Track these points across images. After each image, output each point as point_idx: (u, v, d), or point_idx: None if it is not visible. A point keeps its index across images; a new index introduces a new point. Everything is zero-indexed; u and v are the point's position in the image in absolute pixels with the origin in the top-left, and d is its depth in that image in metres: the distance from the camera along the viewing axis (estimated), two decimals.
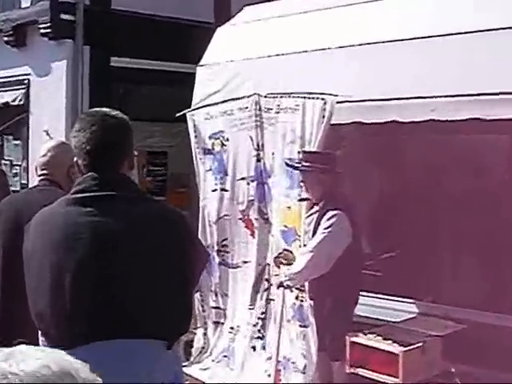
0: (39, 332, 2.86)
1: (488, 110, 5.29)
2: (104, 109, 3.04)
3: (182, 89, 7.94)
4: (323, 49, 6.64)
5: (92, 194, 2.83)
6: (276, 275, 6.61)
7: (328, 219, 5.74)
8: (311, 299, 6.15)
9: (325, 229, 5.73)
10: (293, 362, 6.33)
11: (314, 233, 5.88)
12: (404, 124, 5.85)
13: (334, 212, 5.75)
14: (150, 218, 2.89)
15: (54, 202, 2.97)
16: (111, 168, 2.90)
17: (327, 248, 5.72)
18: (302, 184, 6.15)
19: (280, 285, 6.10)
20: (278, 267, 6.53)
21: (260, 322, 6.99)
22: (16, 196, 4.48)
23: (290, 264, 6.24)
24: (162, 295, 2.82)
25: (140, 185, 10.57)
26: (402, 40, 6.02)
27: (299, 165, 6.23)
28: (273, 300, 6.83)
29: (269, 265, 6.90)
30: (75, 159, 2.97)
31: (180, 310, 2.95)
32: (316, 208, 6.02)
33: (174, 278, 2.86)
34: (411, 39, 5.95)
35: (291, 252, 6.42)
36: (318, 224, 5.84)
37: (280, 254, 6.54)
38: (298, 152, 6.41)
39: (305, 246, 6.06)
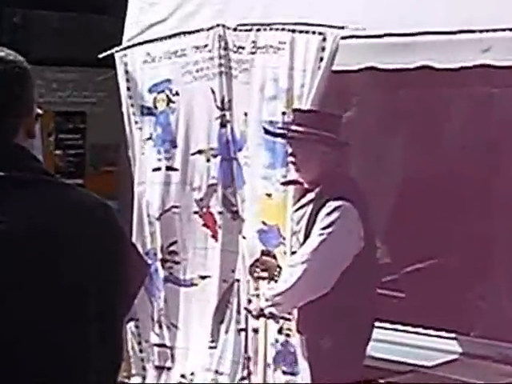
0: None
1: None
2: None
3: (108, 16, 7.86)
4: None
5: None
6: (255, 295, 6.56)
7: (328, 214, 5.63)
8: (302, 333, 6.11)
9: (323, 228, 5.62)
10: None
11: (307, 234, 5.78)
12: (441, 71, 5.84)
13: (338, 203, 5.64)
14: (57, 211, 2.83)
15: None
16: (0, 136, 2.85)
17: (327, 257, 5.64)
18: (289, 159, 6.04)
19: (260, 313, 6.06)
20: (256, 281, 6.49)
21: (226, 368, 6.98)
22: None
23: (273, 276, 6.25)
24: (75, 328, 2.78)
25: (45, 161, 10.54)
26: None
27: (286, 130, 6.20)
28: (243, 330, 6.80)
29: (238, 281, 6.87)
30: None
31: (103, 354, 2.91)
32: (310, 196, 5.89)
33: (93, 305, 2.81)
34: None
35: (273, 257, 6.40)
36: (312, 221, 5.72)
37: (257, 260, 6.49)
38: (283, 113, 6.39)
39: (294, 253, 5.98)
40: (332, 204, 5.63)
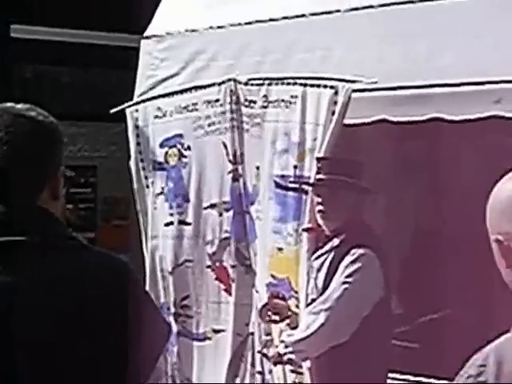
0: None
1: None
2: (20, 106, 2.94)
3: (119, 72, 7.87)
4: (330, 12, 6.61)
5: None
6: (270, 340, 6.53)
7: (352, 262, 5.57)
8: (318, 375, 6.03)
9: (347, 276, 5.55)
10: None
11: (328, 281, 5.71)
12: (453, 123, 5.81)
13: (362, 251, 5.59)
14: (79, 276, 2.79)
15: None
16: (22, 197, 2.81)
17: (351, 305, 5.56)
18: (317, 208, 5.93)
19: (278, 359, 6.01)
20: (267, 324, 6.45)
21: None
22: None
23: (284, 318, 6.19)
24: None
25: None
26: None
27: (296, 184, 6.18)
28: (260, 373, 6.73)
29: (253, 334, 6.82)
30: None
31: None
32: (333, 243, 5.84)
33: (113, 366, 2.76)
34: None
35: (283, 299, 6.34)
36: (334, 268, 5.65)
37: (266, 304, 6.42)
38: (295, 166, 6.36)
39: (314, 300, 5.90)
40: (356, 252, 5.59)
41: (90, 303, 2.71)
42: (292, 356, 5.81)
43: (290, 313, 6.19)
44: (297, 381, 6.32)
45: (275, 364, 6.16)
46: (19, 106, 2.91)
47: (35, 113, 2.88)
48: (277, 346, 6.15)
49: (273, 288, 6.45)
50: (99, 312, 2.72)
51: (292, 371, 6.31)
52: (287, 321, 6.19)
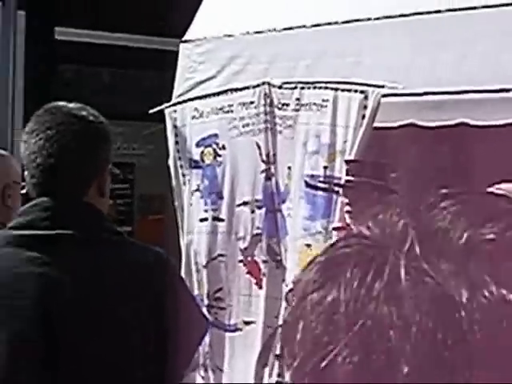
0: None
1: None
2: (72, 105, 2.94)
3: (158, 74, 7.88)
4: (361, 19, 6.59)
5: (40, 232, 2.75)
6: None
7: None
8: None
9: None
10: None
11: None
12: (481, 128, 5.77)
13: None
14: (122, 268, 2.79)
15: None
16: (72, 193, 2.81)
17: None
18: (346, 209, 5.94)
19: None
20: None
21: None
22: None
23: None
24: (134, 379, 2.73)
25: None
26: (478, 8, 5.99)
27: (326, 185, 6.17)
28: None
29: (281, 327, 6.80)
30: (25, 171, 2.88)
31: None
32: None
33: (153, 356, 2.76)
34: (495, 6, 5.92)
35: None
36: None
37: (291, 289, 6.35)
38: (325, 167, 6.35)
39: None
40: None
41: (139, 294, 2.72)
42: None
43: None
44: None
45: None
46: (71, 105, 2.92)
47: (86, 112, 2.90)
48: None
49: None
50: (144, 302, 2.72)
51: None
52: None
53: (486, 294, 1.18)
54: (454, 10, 6.09)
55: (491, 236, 1.22)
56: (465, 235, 1.17)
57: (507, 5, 5.85)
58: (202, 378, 7.32)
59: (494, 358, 1.19)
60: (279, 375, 6.84)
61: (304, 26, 6.90)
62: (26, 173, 2.87)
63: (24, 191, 2.95)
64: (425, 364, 1.09)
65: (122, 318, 2.73)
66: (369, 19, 6.51)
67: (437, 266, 1.18)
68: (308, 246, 6.45)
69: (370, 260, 1.13)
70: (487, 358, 1.20)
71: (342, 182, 6.02)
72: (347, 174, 5.98)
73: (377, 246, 1.19)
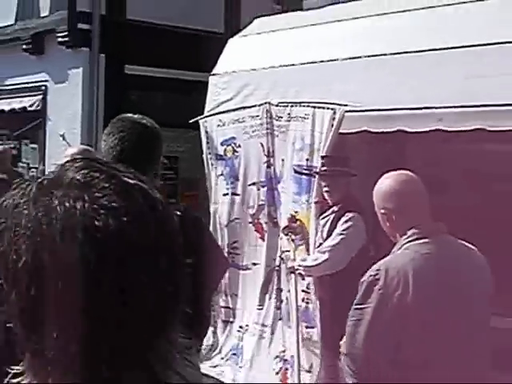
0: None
1: (493, 120, 5.22)
2: (136, 116, 2.95)
3: (194, 96, 7.90)
4: (332, 60, 6.57)
5: None
6: (286, 251, 6.48)
7: (346, 221, 5.65)
8: (319, 299, 6.04)
9: (343, 231, 5.63)
10: (299, 362, 6.22)
11: (330, 232, 5.78)
12: (411, 134, 5.76)
13: (352, 214, 5.65)
14: (170, 226, 2.80)
15: None
16: None
17: (343, 249, 5.59)
18: (324, 189, 5.93)
19: (292, 270, 6.07)
20: (288, 241, 6.38)
21: (268, 322, 6.92)
22: None
23: (297, 233, 6.24)
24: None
25: None
26: (408, 52, 5.96)
27: (308, 171, 6.19)
28: (281, 301, 6.75)
29: (278, 267, 6.82)
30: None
31: (198, 319, 2.86)
32: (333, 209, 5.87)
33: (191, 286, 2.76)
34: (417, 52, 5.88)
35: (298, 220, 6.32)
36: (334, 225, 5.73)
37: (286, 226, 6.40)
38: (307, 159, 6.35)
39: (321, 244, 5.89)
40: (349, 214, 5.66)
41: (184, 245, 2.72)
42: (302, 272, 5.96)
43: (298, 228, 6.26)
44: (305, 298, 6.32)
45: (291, 273, 6.18)
46: (135, 116, 2.93)
47: (145, 121, 2.90)
48: (294, 260, 6.15)
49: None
50: (187, 249, 2.73)
51: (302, 291, 6.31)
52: (299, 235, 6.27)
53: None
54: (392, 53, 6.08)
55: None
56: None
57: (431, 50, 5.83)
58: (224, 300, 7.36)
59: None
60: (276, 300, 6.88)
61: (293, 64, 6.90)
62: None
63: None
64: None
65: (177, 257, 2.72)
66: (337, 60, 6.50)
67: None
68: (296, 212, 6.44)
69: None
70: None
71: (319, 170, 6.03)
72: (322, 165, 6.00)
73: None
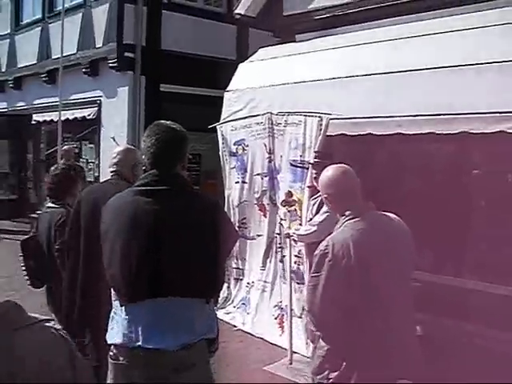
0: (112, 289, 2.76)
1: (441, 126, 5.19)
2: (168, 122, 2.90)
3: (213, 108, 7.81)
4: (318, 80, 6.51)
5: (153, 187, 2.71)
6: (283, 220, 6.35)
7: None
8: (308, 262, 5.96)
9: (328, 210, 5.53)
10: (292, 309, 6.17)
11: (318, 210, 5.68)
12: (380, 136, 5.71)
13: None
14: (195, 206, 2.75)
15: (123, 192, 2.85)
16: (168, 167, 2.76)
17: (328, 224, 5.40)
18: (314, 176, 5.77)
19: (287, 236, 5.98)
20: (286, 211, 6.23)
21: (269, 279, 6.88)
22: (93, 186, 4.35)
23: (292, 205, 6.11)
24: (201, 265, 2.69)
25: None
26: (377, 74, 5.92)
27: (301, 164, 6.13)
28: (281, 262, 6.67)
29: (276, 237, 6.75)
30: (143, 157, 2.84)
31: (215, 277, 2.82)
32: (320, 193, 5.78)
33: (212, 252, 2.72)
34: (384, 73, 5.84)
35: (292, 194, 6.20)
36: (321, 205, 5.58)
37: (283, 200, 6.26)
38: (300, 155, 6.27)
39: (311, 219, 5.80)
40: None
41: (203, 220, 2.69)
42: (295, 238, 5.86)
43: (294, 202, 6.15)
44: (297, 261, 6.26)
45: (286, 237, 6.07)
46: (168, 122, 2.87)
47: (176, 126, 2.85)
48: (289, 228, 6.07)
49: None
50: (207, 224, 2.68)
51: (295, 255, 6.26)
52: (295, 206, 6.17)
53: None
54: (364, 75, 6.03)
55: None
56: None
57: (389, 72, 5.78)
58: (235, 263, 7.32)
59: None
60: (275, 262, 6.83)
61: (288, 83, 6.84)
62: (144, 157, 2.81)
63: (143, 168, 2.91)
64: None
65: (197, 231, 2.69)
66: (322, 79, 6.45)
67: None
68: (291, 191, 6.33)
69: None
70: None
71: (311, 161, 5.94)
72: (314, 158, 5.90)
73: None
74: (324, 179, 3.16)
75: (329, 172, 3.15)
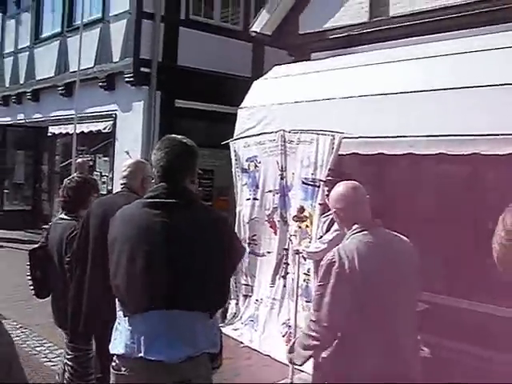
0: (116, 299, 2.77)
1: (452, 147, 5.20)
2: (179, 136, 2.92)
3: (227, 124, 7.87)
4: (331, 98, 6.55)
5: (161, 200, 2.73)
6: (294, 235, 6.30)
7: None
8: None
9: (337, 229, 5.54)
10: (300, 327, 6.15)
11: (328, 228, 5.68)
12: (391, 156, 5.73)
13: None
14: (202, 220, 2.77)
15: (131, 203, 2.87)
16: (176, 181, 2.79)
17: (338, 242, 5.45)
18: (327, 192, 5.72)
19: (297, 252, 5.96)
20: (296, 222, 6.16)
21: (278, 297, 6.86)
22: (103, 199, 4.39)
23: (303, 221, 6.08)
24: (207, 279, 2.70)
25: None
26: (388, 94, 5.95)
27: (313, 182, 6.15)
28: (284, 279, 6.65)
29: (286, 254, 6.75)
30: (153, 170, 2.87)
31: (220, 291, 2.82)
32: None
33: (217, 266, 2.73)
34: (396, 93, 5.87)
35: (304, 210, 6.14)
36: (332, 223, 5.58)
37: (295, 215, 6.17)
38: (312, 173, 6.27)
39: (321, 237, 5.81)
40: None
41: (210, 234, 2.70)
42: (305, 255, 5.88)
43: (305, 218, 6.10)
44: (306, 279, 6.26)
45: (296, 253, 6.01)
46: (179, 136, 2.90)
47: (186, 140, 2.88)
48: (299, 244, 6.05)
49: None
50: (214, 239, 2.70)
51: (304, 273, 6.26)
52: (306, 222, 6.14)
53: None
54: (376, 94, 6.06)
55: None
56: None
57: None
58: (245, 279, 7.31)
59: None
60: (284, 280, 6.81)
61: (302, 101, 6.88)
62: (154, 170, 2.85)
63: (153, 180, 2.94)
64: None
65: (203, 245, 2.70)
66: (335, 98, 6.48)
67: None
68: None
69: None
70: None
71: (324, 179, 5.96)
72: (327, 176, 5.91)
73: None
74: (334, 194, 3.24)
75: (339, 187, 3.24)
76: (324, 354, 3.03)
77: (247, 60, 12.00)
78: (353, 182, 3.28)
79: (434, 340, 5.57)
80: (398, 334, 2.96)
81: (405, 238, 3.15)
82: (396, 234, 3.18)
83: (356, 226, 3.09)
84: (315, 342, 3.04)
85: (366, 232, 3.05)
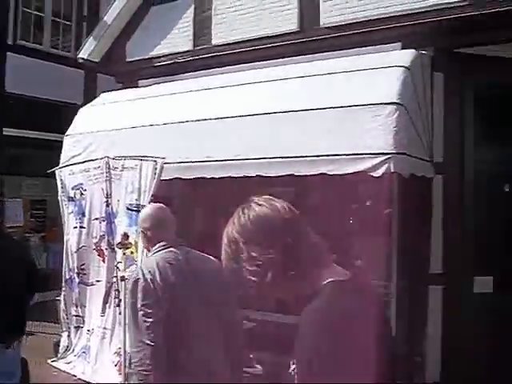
0: None
1: (265, 169, 5.44)
2: None
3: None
4: (153, 125, 6.64)
5: None
6: (119, 262, 6.26)
7: None
8: None
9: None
10: (127, 353, 6.08)
11: None
12: (211, 180, 5.90)
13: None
14: (16, 251, 2.73)
15: None
16: None
17: None
18: None
19: (122, 279, 5.93)
20: (122, 254, 6.13)
21: (109, 326, 6.78)
22: None
23: (128, 247, 6.02)
24: (2, 306, 2.66)
25: (25, 224, 10.13)
26: (207, 119, 6.14)
27: (137, 208, 6.19)
28: (118, 307, 6.60)
29: (116, 282, 6.69)
30: None
31: (17, 319, 2.80)
32: None
33: (14, 298, 2.70)
34: (213, 119, 6.08)
35: (128, 236, 6.08)
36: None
37: (119, 242, 6.12)
38: (136, 199, 6.34)
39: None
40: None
41: (11, 263, 2.65)
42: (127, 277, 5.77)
43: (130, 244, 6.04)
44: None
45: (122, 280, 5.94)
46: None
47: None
48: (124, 270, 5.97)
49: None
50: (23, 265, 2.66)
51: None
52: (131, 249, 6.08)
53: None
54: (195, 120, 6.23)
55: None
56: None
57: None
58: (75, 310, 7.16)
59: None
60: (114, 308, 6.75)
61: (126, 128, 6.91)
62: None
63: None
64: None
65: (13, 271, 2.66)
66: (157, 125, 6.58)
67: None
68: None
69: None
70: None
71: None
72: (150, 201, 5.90)
73: None
74: (142, 214, 3.45)
75: (147, 208, 3.49)
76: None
77: (79, 87, 11.83)
78: (159, 204, 3.46)
79: (266, 356, 5.77)
80: (207, 350, 3.05)
81: (211, 257, 3.28)
82: (202, 253, 3.34)
83: (159, 244, 3.25)
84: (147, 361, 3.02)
85: (168, 249, 3.22)
